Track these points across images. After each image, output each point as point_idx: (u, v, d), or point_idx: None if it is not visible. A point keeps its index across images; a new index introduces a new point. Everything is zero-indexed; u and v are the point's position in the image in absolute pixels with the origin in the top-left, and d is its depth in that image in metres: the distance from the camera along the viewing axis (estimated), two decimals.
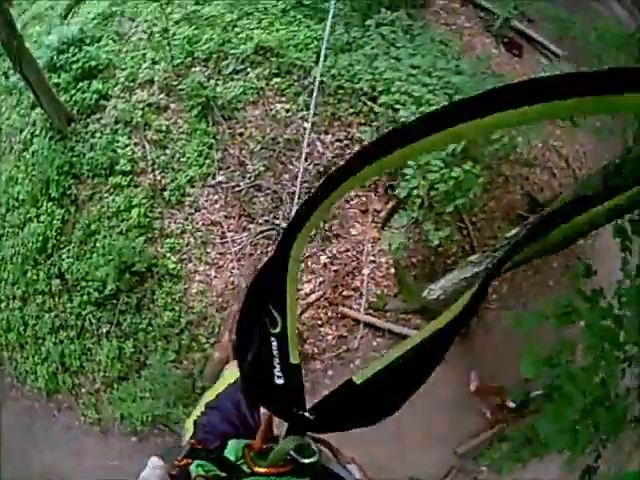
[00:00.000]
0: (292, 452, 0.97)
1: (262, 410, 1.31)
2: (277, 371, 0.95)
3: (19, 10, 9.70)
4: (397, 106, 5.19)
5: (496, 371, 5.18)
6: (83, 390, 6.73)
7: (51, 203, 6.66)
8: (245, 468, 1.10)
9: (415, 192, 4.76)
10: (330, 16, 5.47)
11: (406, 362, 0.82)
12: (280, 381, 0.95)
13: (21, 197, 7.07)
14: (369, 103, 5.78)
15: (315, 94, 5.14)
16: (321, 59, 5.24)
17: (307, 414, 0.94)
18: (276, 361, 0.95)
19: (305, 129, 5.83)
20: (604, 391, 3.11)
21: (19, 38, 5.76)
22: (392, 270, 5.41)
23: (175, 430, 6.00)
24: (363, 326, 5.37)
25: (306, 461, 0.96)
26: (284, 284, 0.87)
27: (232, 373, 1.64)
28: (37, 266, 6.86)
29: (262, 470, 1.04)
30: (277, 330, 0.93)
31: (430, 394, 5.11)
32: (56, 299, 6.78)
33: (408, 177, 4.72)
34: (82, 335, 6.64)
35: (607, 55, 6.57)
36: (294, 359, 0.95)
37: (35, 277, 6.88)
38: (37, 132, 7.12)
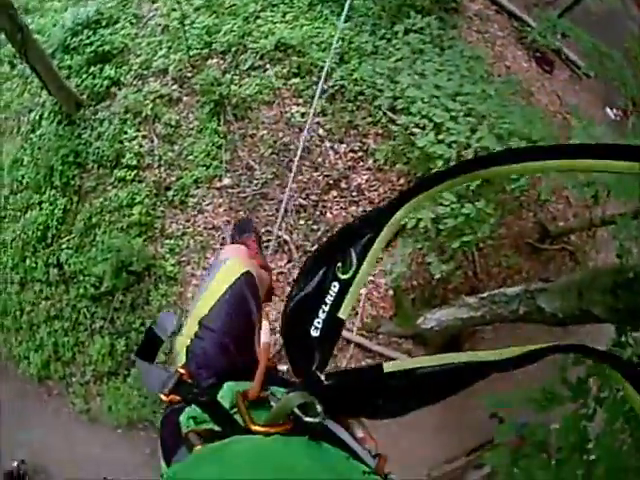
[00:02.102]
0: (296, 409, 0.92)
1: (260, 348, 1.27)
2: (317, 321, 0.96)
3: None
4: (416, 130, 5.11)
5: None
6: (74, 380, 7.04)
7: (54, 191, 6.88)
8: (240, 421, 1.03)
9: (422, 223, 4.73)
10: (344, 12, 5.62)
11: (439, 374, 0.89)
12: (315, 333, 0.96)
13: (25, 181, 7.30)
14: (389, 114, 5.81)
15: (317, 95, 5.29)
16: (328, 61, 5.38)
17: (323, 377, 0.94)
18: (323, 309, 0.96)
19: (320, 136, 5.95)
20: None
21: (25, 28, 5.93)
22: (390, 292, 5.49)
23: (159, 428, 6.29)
24: (354, 346, 5.49)
25: (310, 420, 0.89)
26: (376, 235, 0.93)
27: (229, 270, 1.46)
28: (36, 253, 7.12)
29: (260, 429, 0.96)
30: (346, 276, 0.95)
31: (418, 414, 5.31)
32: (53, 289, 7.06)
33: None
34: (76, 327, 6.91)
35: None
36: (344, 314, 0.96)
37: (34, 265, 7.15)
38: (45, 115, 7.30)
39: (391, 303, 5.56)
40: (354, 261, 0.94)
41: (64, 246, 6.84)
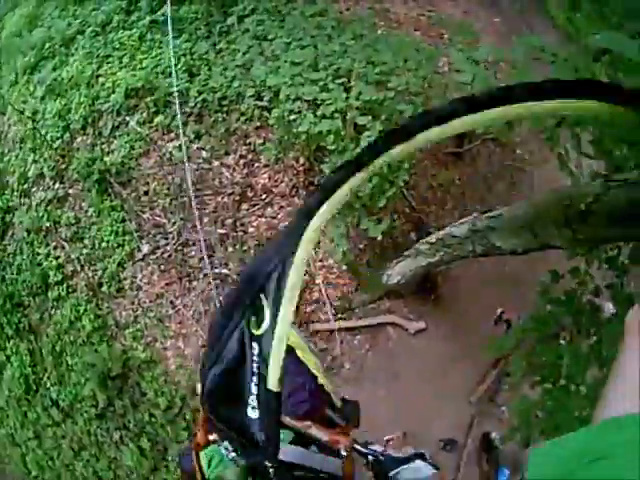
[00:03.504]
0: None
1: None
2: (252, 399, 0.84)
3: None
4: (292, 116, 4.91)
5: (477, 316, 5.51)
6: None
7: (12, 341, 7.09)
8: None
9: None
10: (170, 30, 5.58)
11: None
12: (254, 414, 0.84)
13: None
14: (260, 103, 5.72)
15: (179, 114, 5.30)
16: (173, 74, 5.38)
17: (270, 466, 0.90)
18: (255, 382, 0.82)
19: (205, 159, 5.96)
20: None
21: None
22: (344, 267, 5.49)
23: None
24: (338, 332, 5.53)
25: None
26: (286, 266, 0.77)
27: None
28: (31, 404, 7.36)
29: None
30: (260, 332, 0.79)
31: (423, 360, 5.47)
32: (63, 426, 7.27)
33: None
34: (101, 449, 7.10)
35: None
36: (274, 384, 0.81)
37: (35, 415, 7.40)
38: None
39: (350, 277, 5.58)
40: (266, 310, 0.78)
41: (48, 385, 7.04)
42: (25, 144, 7.03)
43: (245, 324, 0.80)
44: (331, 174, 0.81)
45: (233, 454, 0.99)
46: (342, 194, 0.81)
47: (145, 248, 5.97)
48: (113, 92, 6.49)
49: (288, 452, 1.10)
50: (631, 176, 2.49)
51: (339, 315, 5.56)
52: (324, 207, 0.78)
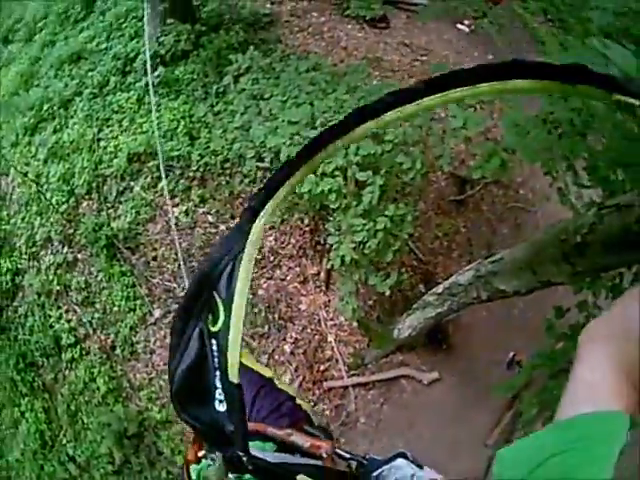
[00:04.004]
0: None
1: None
2: (219, 392, 0.89)
3: None
4: None
5: (489, 361, 5.65)
6: None
7: (27, 398, 7.19)
8: None
9: (347, 258, 4.80)
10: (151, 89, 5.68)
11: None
12: (221, 407, 0.89)
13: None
14: (261, 165, 5.91)
15: (164, 180, 5.46)
16: (156, 135, 5.51)
17: (245, 459, 0.95)
18: (219, 376, 0.88)
19: (212, 222, 6.14)
20: None
21: None
22: (354, 324, 5.68)
23: None
24: (352, 388, 5.69)
25: None
26: (237, 262, 0.84)
27: None
28: (47, 458, 7.51)
29: None
30: (216, 328, 0.86)
31: (438, 409, 5.63)
32: None
33: (335, 246, 4.87)
34: None
35: None
36: (233, 376, 0.87)
37: (52, 468, 7.55)
38: None
39: (361, 333, 5.76)
40: (220, 307, 0.86)
41: (65, 441, 7.18)
42: (31, 207, 7.18)
43: (204, 322, 0.87)
44: (273, 174, 0.85)
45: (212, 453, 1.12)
46: (284, 192, 0.85)
47: (157, 312, 6.15)
48: (115, 157, 6.66)
49: (274, 458, 1.20)
50: (623, 199, 2.52)
51: (352, 371, 5.74)
52: (268, 206, 0.85)
